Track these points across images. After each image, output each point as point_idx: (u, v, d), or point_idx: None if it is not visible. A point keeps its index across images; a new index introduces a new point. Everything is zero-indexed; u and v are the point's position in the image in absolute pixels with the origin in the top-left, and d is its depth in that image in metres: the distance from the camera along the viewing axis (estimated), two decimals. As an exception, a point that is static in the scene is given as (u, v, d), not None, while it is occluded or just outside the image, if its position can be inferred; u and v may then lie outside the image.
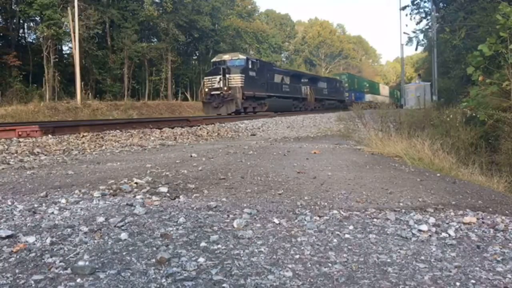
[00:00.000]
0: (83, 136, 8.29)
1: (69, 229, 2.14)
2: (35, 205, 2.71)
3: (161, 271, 1.60)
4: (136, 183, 3.42)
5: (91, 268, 1.59)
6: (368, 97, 49.53)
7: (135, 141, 8.15)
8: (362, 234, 2.11)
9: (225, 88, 19.99)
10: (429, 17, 25.18)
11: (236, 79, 20.30)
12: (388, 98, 60.16)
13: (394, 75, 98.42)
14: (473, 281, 1.54)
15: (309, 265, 1.69)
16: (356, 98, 42.68)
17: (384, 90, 62.27)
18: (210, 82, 20.73)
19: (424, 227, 2.19)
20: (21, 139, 7.41)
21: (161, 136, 9.32)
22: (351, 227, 2.22)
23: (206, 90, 20.95)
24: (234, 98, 19.89)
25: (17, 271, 1.61)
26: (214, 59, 22.66)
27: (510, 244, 1.96)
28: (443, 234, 2.11)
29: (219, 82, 20.16)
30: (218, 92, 20.09)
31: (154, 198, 2.89)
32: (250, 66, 21.61)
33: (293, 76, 28.56)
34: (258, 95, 22.10)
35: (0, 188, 3.36)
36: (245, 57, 21.80)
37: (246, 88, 20.42)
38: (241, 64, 21.21)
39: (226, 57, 21.98)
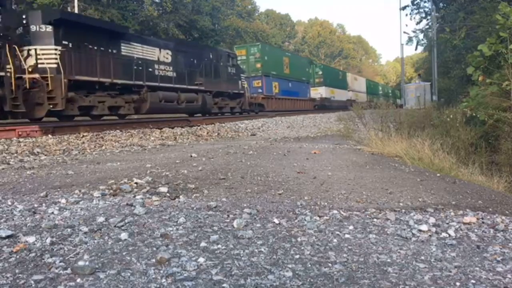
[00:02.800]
0: (83, 136, 8.29)
1: (69, 229, 2.14)
2: (35, 205, 2.71)
3: (161, 271, 1.60)
4: (136, 183, 3.42)
5: (91, 268, 1.59)
6: (322, 91, 33.41)
7: (135, 141, 8.15)
8: (362, 234, 2.11)
9: None
10: (429, 17, 25.19)
11: None
12: (365, 96, 45.23)
13: (394, 75, 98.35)
14: (473, 281, 1.54)
15: (309, 265, 1.69)
16: (283, 91, 25.91)
17: (357, 84, 45.04)
18: None
19: (424, 227, 2.19)
20: (21, 139, 7.41)
21: (161, 136, 9.32)
22: (351, 227, 2.22)
23: None
24: None
25: (17, 271, 1.61)
26: None
27: (510, 244, 1.96)
28: (443, 234, 2.11)
29: None
30: None
31: (154, 198, 2.89)
32: None
33: None
34: None
35: (0, 188, 3.36)
36: None
37: None
38: None
39: None
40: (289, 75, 27.84)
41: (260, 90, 23.57)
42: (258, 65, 24.08)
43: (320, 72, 34.76)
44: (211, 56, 17.78)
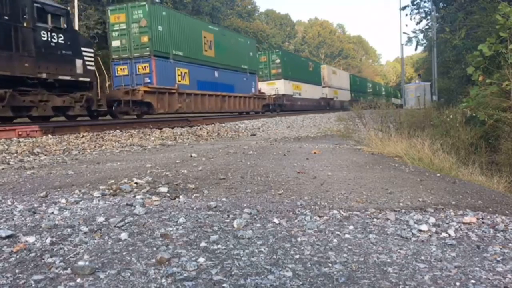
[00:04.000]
0: (83, 136, 8.29)
1: (69, 229, 2.14)
2: (35, 205, 2.71)
3: (161, 271, 1.60)
4: (136, 183, 3.42)
5: (91, 268, 1.59)
6: (279, 86, 25.43)
7: (135, 141, 8.15)
8: (362, 234, 2.11)
9: None
10: (429, 17, 25.20)
11: None
12: (348, 94, 39.76)
13: (394, 75, 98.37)
14: (473, 281, 1.54)
15: (309, 265, 1.69)
16: (200, 83, 17.28)
17: (336, 78, 36.87)
18: None
19: (424, 227, 2.19)
20: (21, 139, 7.41)
21: (161, 136, 9.32)
22: (351, 227, 2.22)
23: None
24: None
25: (17, 271, 1.61)
26: None
27: (510, 244, 1.96)
28: (443, 234, 2.11)
29: None
30: None
31: (154, 198, 2.89)
32: None
33: None
34: None
35: (0, 188, 3.36)
36: None
37: None
38: None
39: None
40: (214, 60, 18.33)
41: (147, 80, 14.54)
42: (145, 39, 14.50)
43: (278, 60, 25.54)
44: None
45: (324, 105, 33.98)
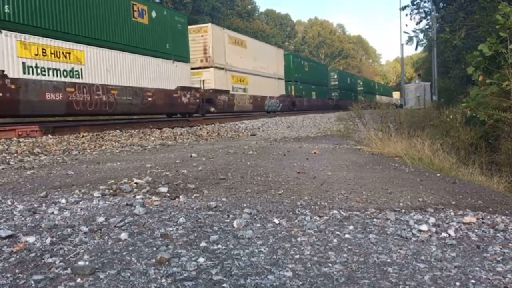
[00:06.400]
0: (83, 136, 8.30)
1: (69, 229, 2.14)
2: (35, 205, 2.71)
3: (161, 271, 1.60)
4: (136, 183, 3.42)
5: (91, 268, 1.59)
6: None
7: (135, 141, 8.15)
8: (362, 234, 2.11)
9: None
10: (429, 17, 25.17)
11: None
12: (280, 85, 23.48)
13: (394, 75, 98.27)
14: (473, 281, 1.54)
15: (309, 265, 1.69)
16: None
17: (240, 55, 19.13)
18: None
19: (424, 227, 2.19)
20: (21, 139, 7.41)
21: (161, 136, 9.32)
22: (351, 227, 2.22)
23: None
24: None
25: (17, 271, 1.61)
26: None
27: (510, 244, 1.96)
28: (443, 234, 2.11)
29: None
30: None
31: (154, 198, 2.89)
32: None
33: None
34: None
35: (0, 188, 3.36)
36: None
37: None
38: None
39: None
40: None
41: None
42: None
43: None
44: None
45: (194, 104, 15.87)
